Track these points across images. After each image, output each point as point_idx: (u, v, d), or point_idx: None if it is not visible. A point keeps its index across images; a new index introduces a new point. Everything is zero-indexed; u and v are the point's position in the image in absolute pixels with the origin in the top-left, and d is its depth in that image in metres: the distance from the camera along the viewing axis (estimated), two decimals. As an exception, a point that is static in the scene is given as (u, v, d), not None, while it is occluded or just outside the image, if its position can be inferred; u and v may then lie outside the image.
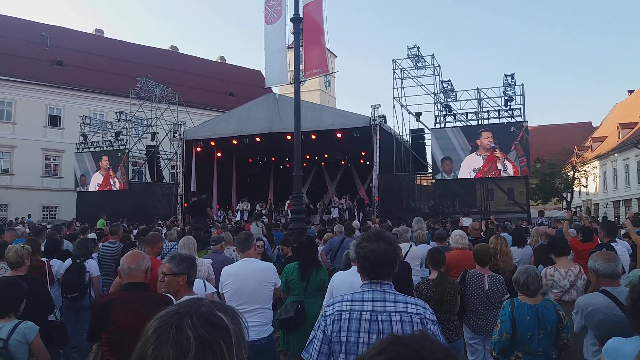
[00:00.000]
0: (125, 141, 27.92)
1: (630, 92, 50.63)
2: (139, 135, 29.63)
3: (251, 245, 4.93)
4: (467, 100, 21.35)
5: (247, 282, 4.57)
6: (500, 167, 19.95)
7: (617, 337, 2.56)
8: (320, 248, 8.82)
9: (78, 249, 6.75)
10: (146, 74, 32.38)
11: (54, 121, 36.60)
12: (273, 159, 31.30)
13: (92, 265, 6.77)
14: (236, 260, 5.57)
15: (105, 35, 47.14)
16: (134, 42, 48.16)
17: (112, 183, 27.43)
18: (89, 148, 28.78)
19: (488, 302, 5.15)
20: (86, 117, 30.71)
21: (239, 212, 26.30)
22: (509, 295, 5.04)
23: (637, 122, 39.07)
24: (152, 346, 1.07)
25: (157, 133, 28.72)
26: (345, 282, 4.12)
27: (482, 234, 9.54)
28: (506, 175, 20.12)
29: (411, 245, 7.30)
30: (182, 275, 3.57)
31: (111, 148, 27.91)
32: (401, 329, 2.40)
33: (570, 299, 5.02)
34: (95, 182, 27.98)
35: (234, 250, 6.55)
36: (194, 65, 48.33)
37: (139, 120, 30.31)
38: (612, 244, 6.29)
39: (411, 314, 2.44)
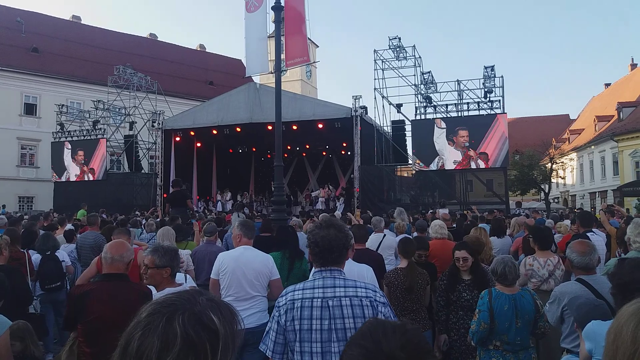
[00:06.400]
0: (102, 130, 27.48)
1: (607, 85, 51.52)
2: (117, 124, 29.20)
3: (254, 234, 4.90)
4: (448, 92, 21.50)
5: (248, 269, 4.53)
6: (473, 165, 20.32)
7: (596, 320, 2.61)
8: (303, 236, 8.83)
9: (45, 243, 6.64)
10: (124, 62, 31.85)
11: (30, 110, 35.92)
12: (254, 149, 31.13)
13: (64, 255, 6.76)
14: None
15: (82, 22, 46.21)
16: (112, 30, 47.45)
17: (86, 178, 27.10)
18: (65, 137, 28.30)
19: None
20: (63, 105, 30.00)
21: (219, 202, 26.19)
22: None
23: (613, 115, 39.76)
24: (141, 331, 1.08)
25: (136, 122, 28.31)
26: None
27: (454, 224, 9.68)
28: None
29: (384, 236, 7.33)
30: (166, 268, 3.55)
31: (88, 137, 27.47)
32: (352, 312, 2.46)
33: (549, 288, 5.09)
34: (73, 172, 27.60)
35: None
36: (173, 54, 47.77)
37: (117, 109, 29.87)
38: (589, 234, 6.40)
39: (361, 298, 2.50)
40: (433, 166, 20.77)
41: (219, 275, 4.59)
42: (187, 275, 4.83)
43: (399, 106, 22.25)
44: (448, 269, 5.17)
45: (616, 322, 1.50)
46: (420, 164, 20.85)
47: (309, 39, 15.08)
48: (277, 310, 2.58)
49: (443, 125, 20.71)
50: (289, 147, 27.85)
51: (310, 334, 2.47)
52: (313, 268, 2.71)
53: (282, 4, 12.91)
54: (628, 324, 1.43)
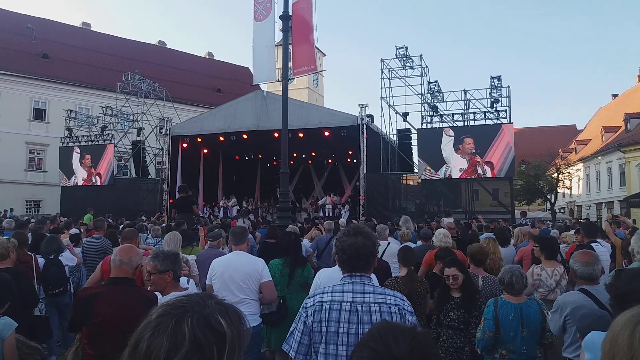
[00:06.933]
0: (110, 136, 27.70)
1: (615, 96, 51.39)
2: (125, 130, 29.41)
3: (245, 239, 5.03)
4: (454, 101, 21.50)
5: (236, 273, 4.67)
6: (480, 171, 20.26)
7: (597, 331, 2.62)
8: (306, 242, 8.88)
9: (49, 246, 6.64)
10: (133, 69, 32.15)
11: (39, 115, 36.21)
12: (260, 156, 31.20)
13: (67, 257, 6.80)
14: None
15: (92, 29, 46.66)
16: (121, 36, 47.88)
17: (93, 181, 27.31)
18: (74, 142, 28.50)
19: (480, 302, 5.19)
20: (72, 111, 30.30)
21: (222, 208, 26.23)
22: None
23: (620, 126, 39.62)
24: (150, 332, 1.11)
25: (143, 128, 28.54)
26: (334, 278, 4.10)
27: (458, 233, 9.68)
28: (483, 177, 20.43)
29: (389, 244, 7.37)
30: (168, 272, 3.57)
31: (96, 143, 27.68)
32: (380, 319, 2.45)
33: (555, 297, 5.09)
34: (80, 176, 27.80)
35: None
36: (182, 61, 48.06)
37: (125, 115, 30.08)
38: (593, 244, 6.39)
39: (390, 305, 2.52)
40: (441, 173, 20.74)
41: (211, 280, 4.74)
42: (191, 280, 4.88)
43: (405, 115, 22.28)
44: (441, 285, 5.03)
45: (611, 331, 1.51)
46: (432, 170, 20.80)
47: (316, 47, 15.17)
48: (305, 311, 2.59)
49: (451, 133, 20.70)
50: (295, 155, 27.89)
51: (336, 337, 2.47)
52: (341, 273, 2.72)
53: (290, 13, 13.01)
54: (623, 331, 1.45)
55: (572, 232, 10.13)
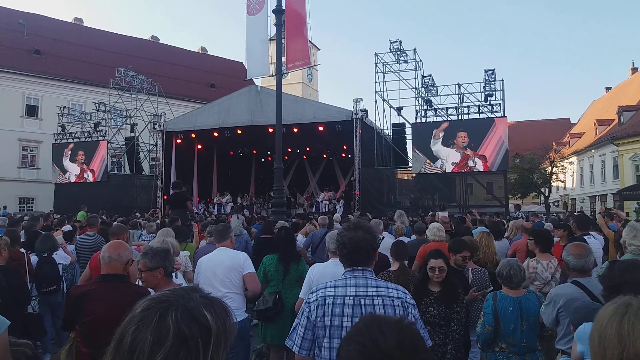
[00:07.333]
0: (104, 132, 27.57)
1: (608, 89, 51.52)
2: (118, 126, 29.29)
3: (228, 236, 5.06)
4: (448, 95, 21.52)
5: (217, 268, 4.75)
6: (471, 163, 20.31)
7: (589, 322, 2.63)
8: (300, 238, 8.88)
9: (43, 244, 6.60)
10: (126, 64, 31.97)
11: (32, 111, 35.98)
12: (254, 151, 31.17)
13: (61, 255, 6.79)
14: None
15: (84, 24, 46.31)
16: (114, 32, 47.50)
17: (85, 177, 27.22)
18: (67, 139, 28.36)
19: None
20: (64, 107, 30.19)
21: (217, 205, 26.19)
22: (492, 288, 5.10)
23: (614, 119, 39.73)
24: (135, 326, 1.11)
25: (137, 124, 28.42)
26: (327, 273, 4.13)
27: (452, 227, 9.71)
28: (476, 171, 20.50)
29: (383, 238, 7.40)
30: (158, 269, 3.54)
31: (89, 139, 27.56)
32: (384, 312, 2.48)
33: (550, 290, 5.13)
34: (73, 173, 27.70)
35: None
36: (175, 56, 47.81)
37: (118, 111, 29.94)
38: (586, 237, 6.42)
39: (393, 298, 2.53)
40: (437, 165, 20.80)
41: (197, 279, 4.82)
42: (179, 274, 4.90)
43: (399, 109, 22.29)
44: (417, 278, 4.83)
45: (598, 324, 1.51)
46: (431, 163, 20.83)
47: (310, 41, 15.13)
48: (308, 306, 2.60)
49: (441, 135, 20.75)
50: (289, 150, 27.87)
51: (340, 331, 2.49)
52: (333, 267, 2.71)
53: (283, 7, 12.96)
54: (611, 324, 1.45)
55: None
